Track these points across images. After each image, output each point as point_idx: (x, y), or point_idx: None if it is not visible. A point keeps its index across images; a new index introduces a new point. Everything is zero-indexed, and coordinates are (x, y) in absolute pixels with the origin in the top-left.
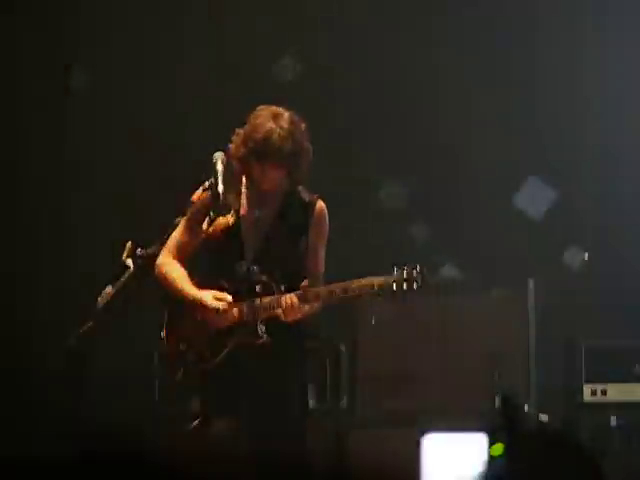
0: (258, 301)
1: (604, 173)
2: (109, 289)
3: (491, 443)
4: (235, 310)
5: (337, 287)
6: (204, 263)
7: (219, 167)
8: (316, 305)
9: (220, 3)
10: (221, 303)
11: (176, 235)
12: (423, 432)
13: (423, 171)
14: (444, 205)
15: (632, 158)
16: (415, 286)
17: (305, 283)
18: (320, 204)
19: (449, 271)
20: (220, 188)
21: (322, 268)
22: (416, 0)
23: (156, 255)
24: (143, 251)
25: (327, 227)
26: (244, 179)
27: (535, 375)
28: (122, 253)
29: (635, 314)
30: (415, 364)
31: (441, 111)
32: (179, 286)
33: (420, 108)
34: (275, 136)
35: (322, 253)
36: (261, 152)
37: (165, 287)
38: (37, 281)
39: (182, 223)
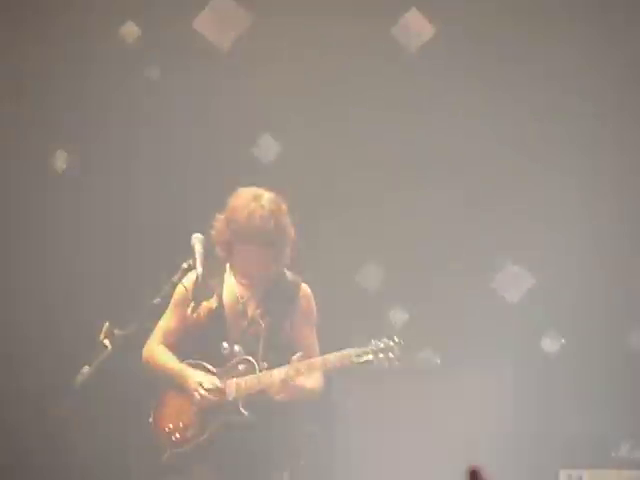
0: (242, 381)
1: (580, 258)
2: (86, 369)
3: None
4: (219, 390)
5: (317, 360)
6: (189, 346)
7: (198, 248)
8: (314, 383)
9: (202, 84)
10: (207, 388)
11: (162, 322)
12: None
13: (401, 254)
14: (422, 288)
15: (606, 244)
16: (391, 356)
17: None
18: (304, 286)
19: (426, 353)
20: (199, 269)
21: (312, 348)
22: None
23: (133, 335)
24: (120, 331)
25: (313, 308)
26: (227, 262)
27: (512, 459)
28: (100, 333)
29: (613, 399)
30: (389, 448)
31: (420, 194)
32: (168, 366)
33: (400, 190)
34: (257, 217)
35: (310, 333)
36: (244, 234)
37: (154, 371)
38: (17, 361)
39: (167, 310)
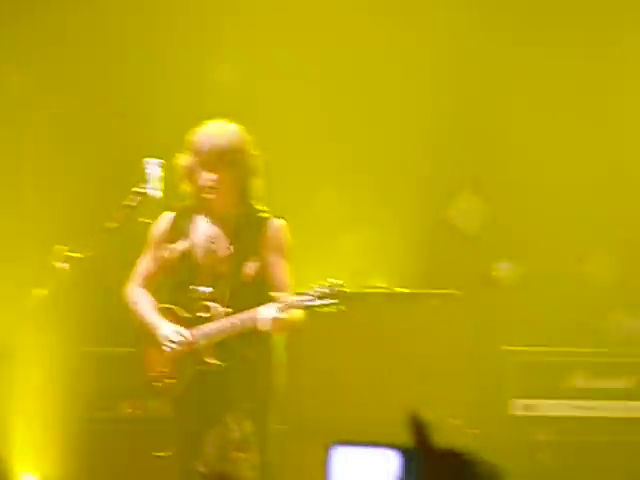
0: (207, 328)
1: (533, 187)
2: (38, 292)
3: (405, 459)
4: (189, 336)
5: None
6: (163, 290)
7: (152, 171)
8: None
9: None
10: (175, 341)
11: (139, 264)
12: (335, 445)
13: (357, 179)
14: (380, 215)
15: (559, 171)
16: (335, 301)
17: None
18: (274, 221)
19: (382, 282)
20: (152, 192)
21: (286, 283)
22: None
23: (86, 258)
24: (76, 255)
25: (284, 243)
26: (196, 199)
27: (465, 389)
28: (52, 257)
29: (566, 329)
30: (343, 376)
31: (379, 125)
32: (142, 316)
33: (355, 120)
34: (223, 141)
35: (283, 268)
36: (212, 158)
37: (132, 316)
38: None
39: (144, 252)
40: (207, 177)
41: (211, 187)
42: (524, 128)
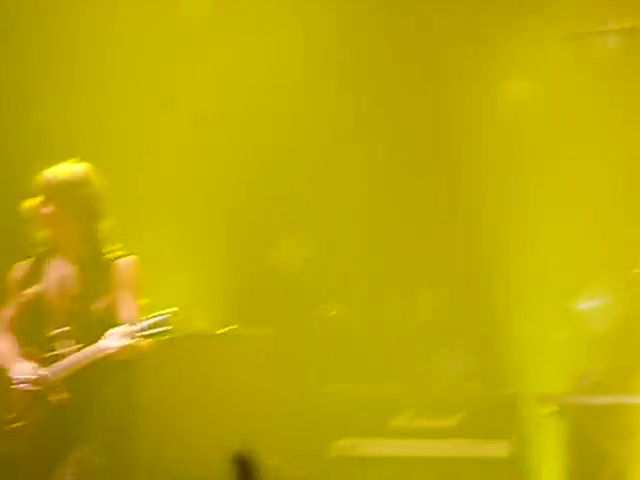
0: (59, 365)
1: (355, 227)
2: None
3: None
4: (40, 374)
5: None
6: (23, 332)
7: None
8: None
9: None
10: (26, 379)
11: (3, 310)
12: None
13: (181, 219)
14: (202, 256)
15: (378, 210)
16: (165, 329)
17: None
18: (124, 260)
19: (204, 323)
20: None
21: (134, 318)
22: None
23: None
24: None
25: (133, 280)
26: (48, 242)
27: (287, 428)
28: None
29: (390, 369)
30: (168, 417)
31: (210, 159)
32: (0, 361)
33: (200, 154)
34: (57, 178)
35: (132, 304)
36: (44, 194)
37: None
38: None
39: (7, 298)
40: (43, 210)
41: (46, 220)
42: (338, 170)
